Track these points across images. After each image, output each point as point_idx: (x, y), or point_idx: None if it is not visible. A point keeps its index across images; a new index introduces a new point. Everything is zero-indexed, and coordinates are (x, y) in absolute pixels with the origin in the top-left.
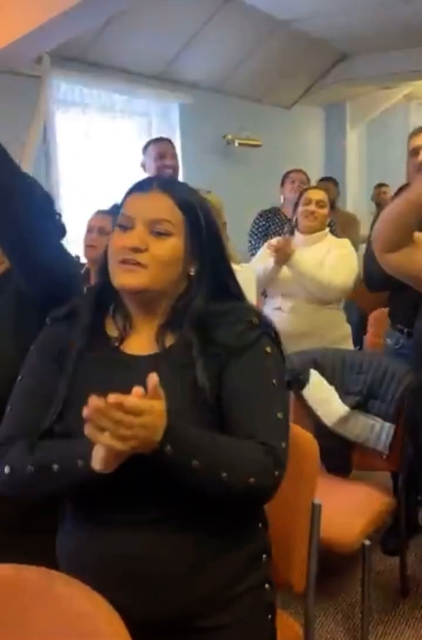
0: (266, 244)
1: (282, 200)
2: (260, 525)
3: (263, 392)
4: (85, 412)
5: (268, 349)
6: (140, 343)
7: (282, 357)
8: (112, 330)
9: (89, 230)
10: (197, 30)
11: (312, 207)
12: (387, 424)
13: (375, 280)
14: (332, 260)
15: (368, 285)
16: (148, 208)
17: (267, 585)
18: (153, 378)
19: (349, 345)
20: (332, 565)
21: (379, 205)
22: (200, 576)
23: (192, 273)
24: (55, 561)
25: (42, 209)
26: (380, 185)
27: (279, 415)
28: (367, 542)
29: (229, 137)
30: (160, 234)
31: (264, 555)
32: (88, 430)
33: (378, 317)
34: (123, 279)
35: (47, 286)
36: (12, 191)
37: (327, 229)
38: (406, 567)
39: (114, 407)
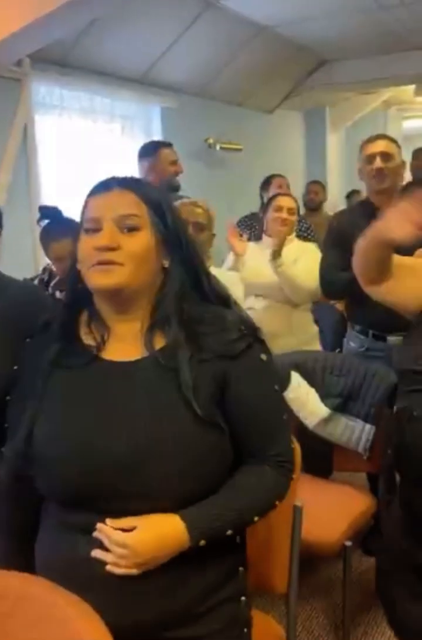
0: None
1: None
2: (238, 538)
3: (270, 402)
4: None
5: (263, 357)
6: (123, 348)
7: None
8: (89, 340)
9: None
10: (179, 34)
11: (283, 214)
12: (367, 426)
13: (334, 288)
14: (306, 264)
15: (326, 293)
16: (113, 206)
17: (243, 598)
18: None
19: (316, 345)
20: (314, 566)
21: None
22: (180, 589)
23: (166, 265)
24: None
25: None
26: (313, 182)
27: (285, 417)
28: (348, 543)
29: (211, 140)
30: (130, 230)
31: (240, 568)
32: None
33: None
34: (100, 279)
35: None
36: None
37: (294, 234)
38: None
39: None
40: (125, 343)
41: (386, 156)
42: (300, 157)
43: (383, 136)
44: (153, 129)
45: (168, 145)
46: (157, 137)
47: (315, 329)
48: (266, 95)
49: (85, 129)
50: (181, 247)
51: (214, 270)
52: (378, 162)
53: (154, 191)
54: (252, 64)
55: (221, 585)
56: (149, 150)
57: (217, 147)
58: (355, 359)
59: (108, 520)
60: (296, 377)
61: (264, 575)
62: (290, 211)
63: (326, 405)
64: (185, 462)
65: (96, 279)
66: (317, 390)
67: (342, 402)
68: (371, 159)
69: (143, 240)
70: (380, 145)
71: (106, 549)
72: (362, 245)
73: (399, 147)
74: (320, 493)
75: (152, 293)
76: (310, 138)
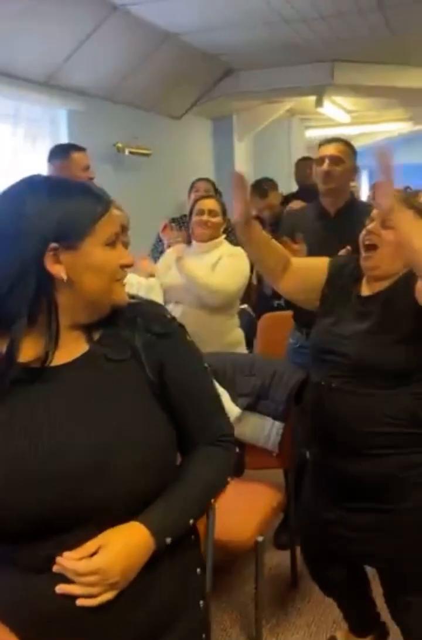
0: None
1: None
2: (193, 537)
3: (205, 381)
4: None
5: (188, 338)
6: (62, 352)
7: None
8: (25, 355)
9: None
10: (85, 37)
11: (205, 217)
12: (277, 423)
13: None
14: (222, 267)
15: (273, 291)
16: (118, 222)
17: (201, 602)
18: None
19: (242, 350)
20: (227, 563)
21: None
22: (151, 597)
23: None
24: None
25: None
26: None
27: (216, 392)
28: (260, 539)
29: (120, 145)
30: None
31: (198, 569)
32: None
33: (267, 321)
34: (124, 295)
35: None
36: None
37: (223, 237)
38: (296, 561)
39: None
40: (64, 347)
41: (335, 159)
42: (209, 163)
43: (337, 140)
44: (60, 132)
45: (81, 149)
46: (63, 140)
47: (239, 334)
48: (174, 101)
49: None
50: None
51: (130, 276)
52: (326, 165)
53: None
54: (159, 69)
55: (179, 593)
56: (60, 153)
57: (126, 152)
58: (265, 359)
59: (66, 553)
60: None
61: None
62: (211, 213)
63: (237, 405)
64: (149, 453)
65: (123, 294)
66: (229, 391)
67: (252, 402)
68: (321, 161)
69: None
70: (330, 149)
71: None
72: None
73: (352, 151)
74: (232, 492)
75: None
76: (218, 144)
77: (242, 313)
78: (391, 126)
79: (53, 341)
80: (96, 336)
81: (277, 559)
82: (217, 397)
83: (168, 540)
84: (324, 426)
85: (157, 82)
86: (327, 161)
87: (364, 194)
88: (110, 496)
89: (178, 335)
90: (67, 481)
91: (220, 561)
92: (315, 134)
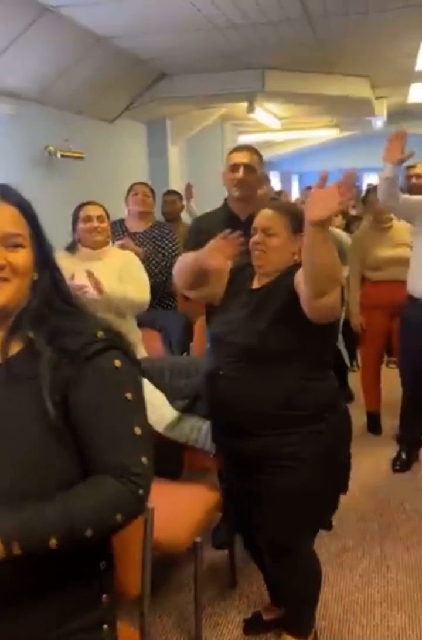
0: None
1: (126, 213)
2: (102, 564)
3: (116, 409)
4: None
5: (117, 363)
6: None
7: (137, 370)
8: None
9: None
10: (14, 38)
11: (95, 223)
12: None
13: None
14: (131, 276)
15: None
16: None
17: (105, 626)
18: None
19: (141, 351)
20: (166, 564)
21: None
22: (31, 609)
23: (35, 278)
24: None
25: None
26: (169, 192)
27: (137, 430)
28: (198, 539)
29: (51, 148)
30: (15, 246)
31: (104, 596)
32: None
33: (203, 323)
34: None
35: None
36: None
37: (110, 243)
38: (234, 559)
39: None
40: None
41: (249, 168)
42: (143, 166)
43: (249, 148)
44: None
45: None
46: None
47: (138, 334)
48: (107, 104)
49: None
50: (48, 259)
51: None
52: (241, 173)
53: (29, 204)
54: (91, 73)
55: (77, 613)
56: None
57: (58, 155)
58: (201, 361)
59: None
60: (144, 383)
61: (117, 580)
62: (100, 219)
63: (174, 407)
64: (11, 479)
65: None
66: (166, 394)
67: (189, 404)
68: (235, 168)
69: (26, 256)
70: (245, 158)
71: None
72: (186, 260)
73: (261, 160)
74: (169, 494)
75: (22, 303)
76: (152, 148)
77: (177, 316)
78: (320, 133)
79: None
80: (16, 349)
81: (216, 559)
82: (130, 432)
83: (17, 548)
84: (215, 411)
85: (89, 85)
86: (242, 169)
87: (294, 197)
88: None
89: (102, 359)
90: None
91: (158, 562)
92: (247, 139)
